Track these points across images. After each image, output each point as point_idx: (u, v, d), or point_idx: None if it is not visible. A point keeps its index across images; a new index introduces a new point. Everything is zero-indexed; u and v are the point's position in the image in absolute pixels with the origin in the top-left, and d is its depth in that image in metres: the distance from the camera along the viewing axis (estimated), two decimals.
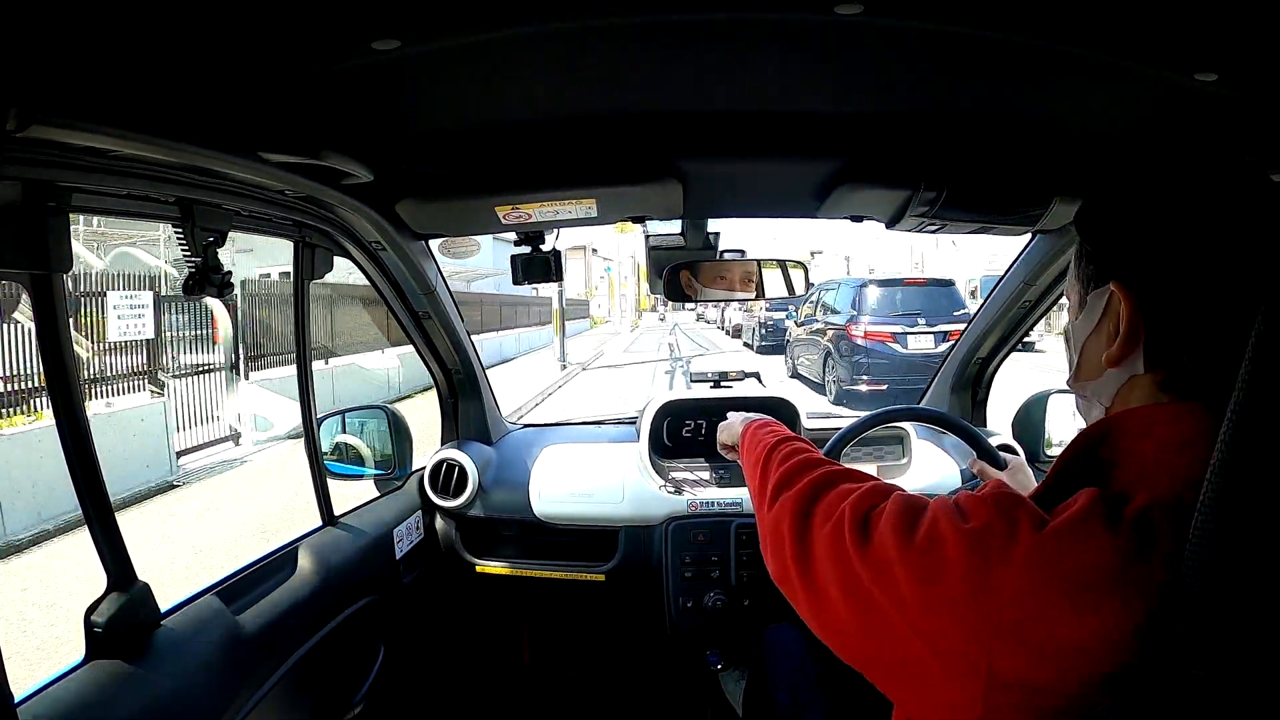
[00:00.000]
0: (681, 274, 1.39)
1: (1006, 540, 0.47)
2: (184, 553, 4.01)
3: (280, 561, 1.07)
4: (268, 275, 8.93)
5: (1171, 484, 0.47)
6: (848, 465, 0.69)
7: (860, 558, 0.53)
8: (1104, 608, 0.43)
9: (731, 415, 1.09)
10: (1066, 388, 0.66)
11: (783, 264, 1.43)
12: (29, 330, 4.85)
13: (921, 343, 7.43)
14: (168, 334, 6.39)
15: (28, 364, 4.96)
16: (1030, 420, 1.50)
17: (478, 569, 1.51)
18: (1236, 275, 0.49)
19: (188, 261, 0.83)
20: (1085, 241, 0.57)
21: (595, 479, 1.50)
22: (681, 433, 1.57)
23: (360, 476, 1.43)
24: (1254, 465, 0.38)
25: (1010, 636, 0.44)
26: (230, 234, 0.88)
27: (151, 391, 6.02)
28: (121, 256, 9.81)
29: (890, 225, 1.17)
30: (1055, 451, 1.41)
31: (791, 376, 9.96)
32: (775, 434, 0.84)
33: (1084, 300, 0.58)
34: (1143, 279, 0.52)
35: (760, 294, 1.43)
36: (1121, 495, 0.47)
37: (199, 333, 6.93)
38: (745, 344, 16.80)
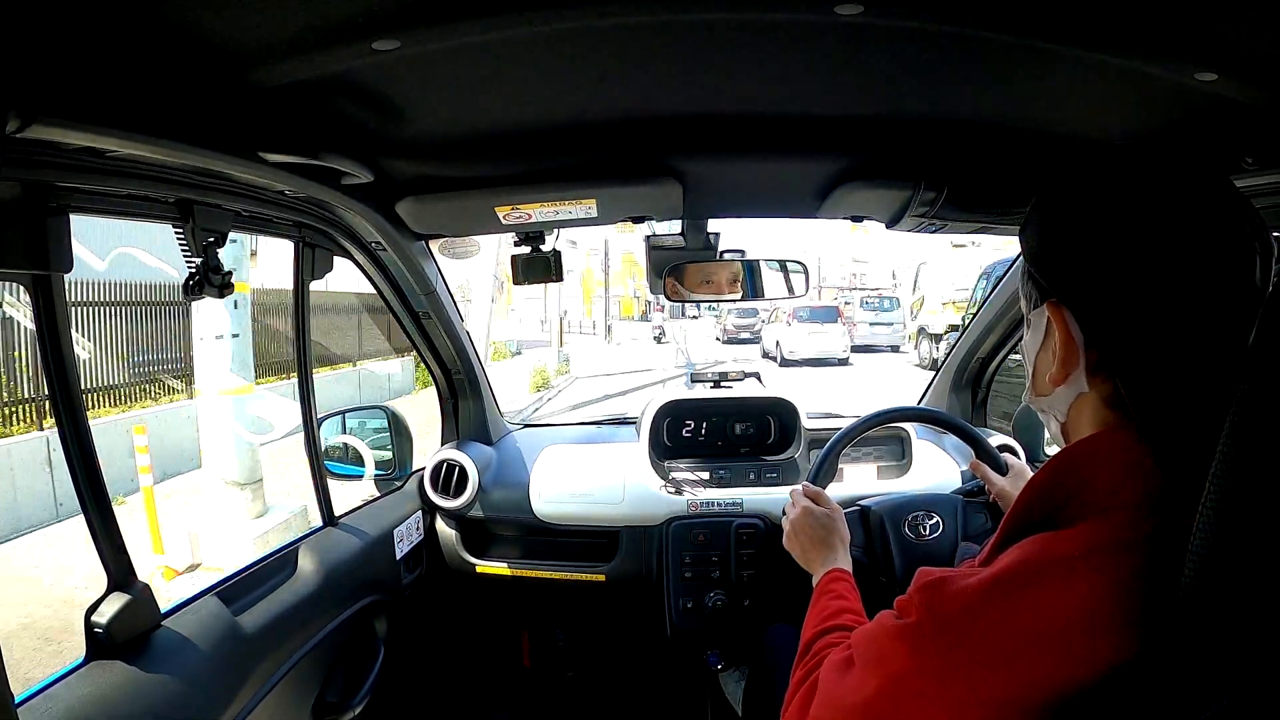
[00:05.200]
0: (679, 274, 1.39)
1: (930, 630, 0.49)
2: None
3: (280, 562, 1.07)
4: None
5: (1119, 516, 0.47)
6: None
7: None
8: (1047, 659, 0.44)
9: (791, 527, 1.00)
10: None
11: (783, 264, 1.43)
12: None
13: None
14: None
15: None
16: (1030, 421, 1.50)
17: (478, 569, 1.51)
18: (1180, 290, 0.47)
19: (188, 262, 0.83)
20: (1026, 260, 0.57)
21: (595, 479, 1.50)
22: (682, 433, 1.56)
23: (360, 477, 1.43)
24: (1254, 488, 0.37)
25: (978, 698, 0.46)
26: None
27: None
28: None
29: (890, 225, 1.17)
30: (1055, 451, 1.41)
31: None
32: (825, 613, 0.79)
33: (1028, 318, 0.58)
34: (1076, 302, 0.52)
35: (760, 295, 1.43)
36: (1062, 539, 0.47)
37: None
38: None
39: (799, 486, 1.06)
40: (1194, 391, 0.46)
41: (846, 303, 16.84)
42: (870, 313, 15.64)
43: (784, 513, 1.04)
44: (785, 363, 13.71)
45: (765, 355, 15.82)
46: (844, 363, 13.50)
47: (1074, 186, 0.53)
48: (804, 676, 0.66)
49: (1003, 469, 1.15)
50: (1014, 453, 1.45)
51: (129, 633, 0.75)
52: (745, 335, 18.86)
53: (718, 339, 20.03)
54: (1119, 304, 0.49)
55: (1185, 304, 0.47)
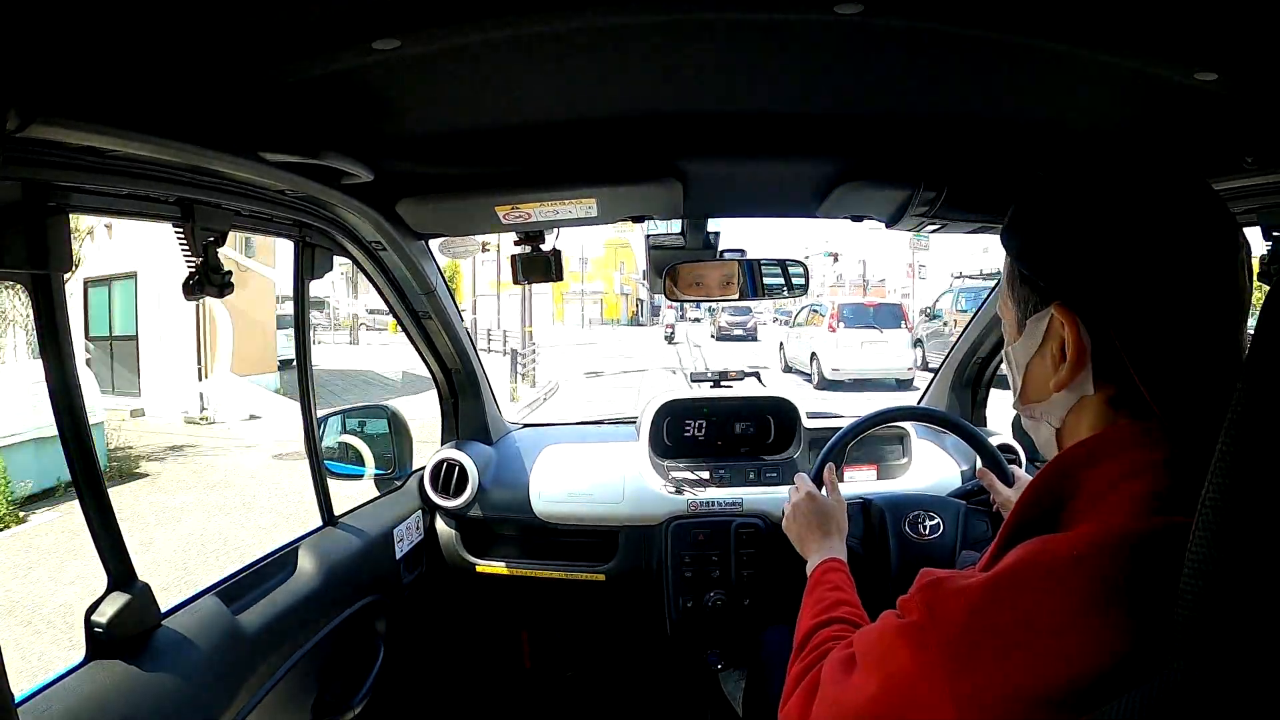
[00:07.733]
0: (680, 273, 1.39)
1: (931, 629, 0.49)
2: None
3: (280, 561, 1.07)
4: None
5: (1118, 516, 0.47)
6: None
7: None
8: (1045, 657, 0.44)
9: (791, 510, 1.02)
10: None
11: (782, 263, 1.43)
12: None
13: None
14: None
15: None
16: None
17: (478, 569, 1.51)
18: (1180, 284, 0.48)
19: (188, 261, 0.83)
20: (1019, 264, 0.56)
21: (595, 479, 1.50)
22: (682, 432, 1.56)
23: (360, 476, 1.43)
24: (1254, 487, 0.37)
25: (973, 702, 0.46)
26: None
27: None
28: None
29: (890, 225, 1.17)
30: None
31: None
32: (821, 605, 0.80)
33: (1022, 324, 0.57)
34: (1084, 300, 0.51)
35: (760, 294, 1.43)
36: (1060, 540, 0.47)
37: None
38: None
39: (804, 473, 1.07)
40: (1205, 388, 0.47)
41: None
42: None
43: (789, 497, 1.05)
44: (826, 383, 9.68)
45: (789, 369, 11.33)
46: (905, 385, 9.45)
47: (1074, 187, 0.53)
48: (803, 671, 0.66)
49: (1009, 479, 1.14)
50: (1013, 452, 1.45)
51: (129, 632, 0.75)
52: (738, 332, 17.96)
53: (712, 336, 18.16)
54: (1133, 303, 0.49)
55: (1191, 300, 0.48)
